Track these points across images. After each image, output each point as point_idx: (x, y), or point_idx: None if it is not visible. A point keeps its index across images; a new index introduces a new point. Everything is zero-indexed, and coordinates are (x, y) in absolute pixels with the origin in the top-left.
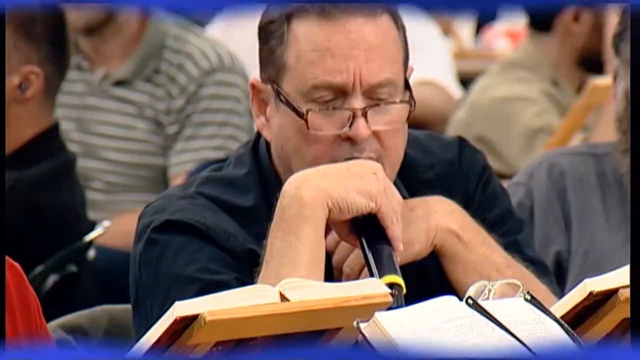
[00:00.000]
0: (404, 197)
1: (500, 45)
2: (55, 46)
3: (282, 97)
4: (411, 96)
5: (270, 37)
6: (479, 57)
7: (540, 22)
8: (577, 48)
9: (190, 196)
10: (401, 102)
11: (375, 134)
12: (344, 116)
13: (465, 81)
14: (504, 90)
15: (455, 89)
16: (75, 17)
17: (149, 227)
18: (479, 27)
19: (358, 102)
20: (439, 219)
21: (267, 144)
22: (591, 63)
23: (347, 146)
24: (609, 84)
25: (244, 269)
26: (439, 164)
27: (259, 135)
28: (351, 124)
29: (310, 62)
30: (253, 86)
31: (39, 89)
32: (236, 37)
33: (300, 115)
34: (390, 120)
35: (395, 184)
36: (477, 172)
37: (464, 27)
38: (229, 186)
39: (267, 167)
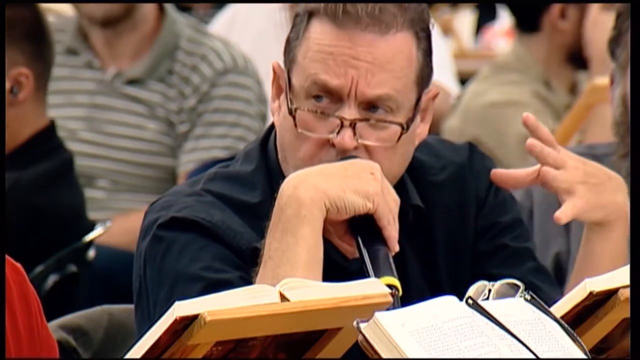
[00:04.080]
0: (415, 200)
1: (500, 45)
2: (37, 42)
3: (287, 88)
4: (412, 118)
5: (293, 28)
6: (479, 57)
7: (527, 22)
8: (565, 45)
9: (197, 193)
10: (391, 122)
11: (366, 148)
12: (334, 123)
13: (465, 81)
14: (495, 95)
15: (455, 89)
16: (95, 7)
17: (155, 223)
18: (479, 27)
19: (349, 113)
20: (624, 199)
21: (276, 141)
22: (581, 59)
23: (334, 152)
24: (608, 84)
25: (249, 267)
26: (450, 166)
27: (268, 132)
28: (338, 132)
29: (313, 60)
30: (274, 69)
31: (31, 89)
32: (236, 36)
33: (290, 111)
34: (382, 138)
35: (406, 185)
36: (488, 176)
37: (464, 27)
38: (236, 183)
39: (274, 163)
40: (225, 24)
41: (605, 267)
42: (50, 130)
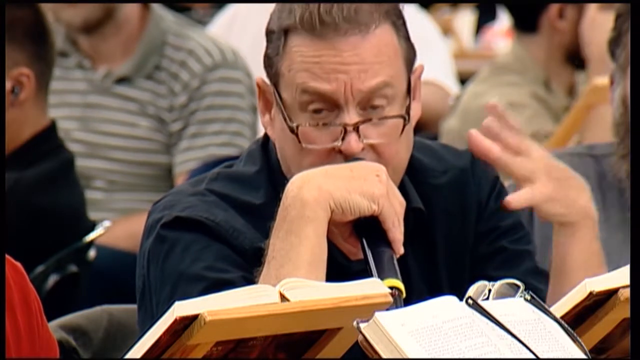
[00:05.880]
0: (415, 203)
1: (500, 46)
2: (38, 43)
3: (279, 105)
4: (409, 105)
5: (270, 44)
6: (479, 57)
7: (525, 22)
8: (564, 45)
9: (200, 193)
10: (394, 117)
11: (371, 146)
12: (337, 130)
13: (465, 81)
14: (494, 96)
15: (455, 89)
16: (72, 14)
17: (159, 223)
18: (479, 27)
19: (350, 117)
20: (588, 201)
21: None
22: (579, 59)
23: (341, 158)
24: (608, 85)
25: (252, 267)
26: (452, 170)
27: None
28: (343, 138)
29: (299, 70)
30: (259, 85)
31: (32, 89)
32: (236, 36)
33: (291, 129)
34: (384, 133)
35: (406, 187)
36: (490, 180)
37: (464, 27)
38: (239, 183)
39: (276, 164)
40: (225, 24)
41: (578, 269)
42: (50, 130)
